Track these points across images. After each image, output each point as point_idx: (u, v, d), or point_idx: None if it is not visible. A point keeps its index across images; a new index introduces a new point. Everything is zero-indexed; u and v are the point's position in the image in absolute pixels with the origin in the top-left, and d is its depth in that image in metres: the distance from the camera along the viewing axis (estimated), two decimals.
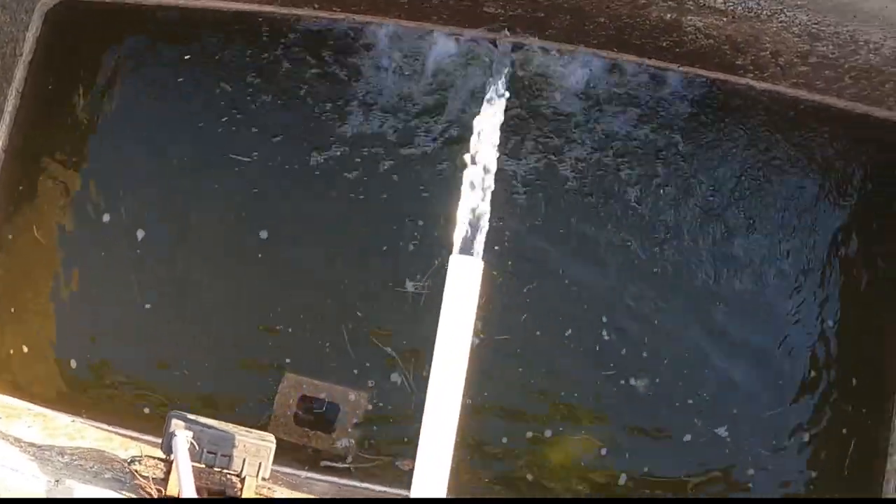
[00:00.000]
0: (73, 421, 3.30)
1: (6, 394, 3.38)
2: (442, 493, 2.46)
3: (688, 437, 3.33)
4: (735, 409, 3.35)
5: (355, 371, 3.31)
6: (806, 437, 3.35)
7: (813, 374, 3.37)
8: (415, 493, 2.47)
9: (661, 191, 3.42)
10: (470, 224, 2.59)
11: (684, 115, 3.44)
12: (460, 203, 2.66)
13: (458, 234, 2.58)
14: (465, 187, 2.66)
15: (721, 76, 3.44)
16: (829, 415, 3.36)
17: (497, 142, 2.73)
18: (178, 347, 3.37)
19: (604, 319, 3.35)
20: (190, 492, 2.53)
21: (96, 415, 3.33)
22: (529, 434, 3.31)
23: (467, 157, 2.74)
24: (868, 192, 3.48)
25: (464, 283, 2.51)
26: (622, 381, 3.33)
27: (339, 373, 3.32)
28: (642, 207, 3.40)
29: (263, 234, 3.40)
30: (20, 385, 3.39)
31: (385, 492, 3.22)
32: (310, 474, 3.21)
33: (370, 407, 3.28)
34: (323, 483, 3.19)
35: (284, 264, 3.40)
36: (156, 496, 2.69)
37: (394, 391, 3.31)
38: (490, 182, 2.66)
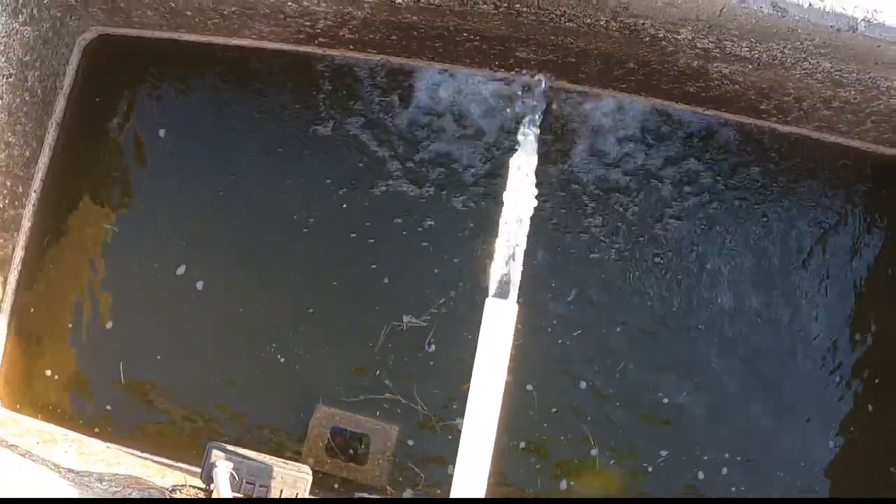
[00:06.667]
0: (108, 447, 3.38)
1: (42, 419, 3.46)
2: None
3: None
4: None
5: (385, 405, 3.39)
6: None
7: None
8: None
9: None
10: (504, 268, 2.66)
11: None
12: (496, 246, 2.73)
13: (494, 277, 2.66)
14: (501, 230, 2.73)
15: (745, 119, 3.53)
16: None
17: (531, 185, 2.80)
18: (214, 378, 3.45)
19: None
20: None
21: (131, 442, 3.41)
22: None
23: (503, 199, 2.81)
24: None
25: (499, 325, 2.59)
26: None
27: (369, 406, 3.40)
28: None
29: (297, 272, 3.49)
30: (54, 411, 3.47)
31: None
32: None
33: (401, 439, 3.36)
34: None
35: (320, 298, 3.48)
36: None
37: (423, 426, 3.39)
38: (526, 224, 2.73)
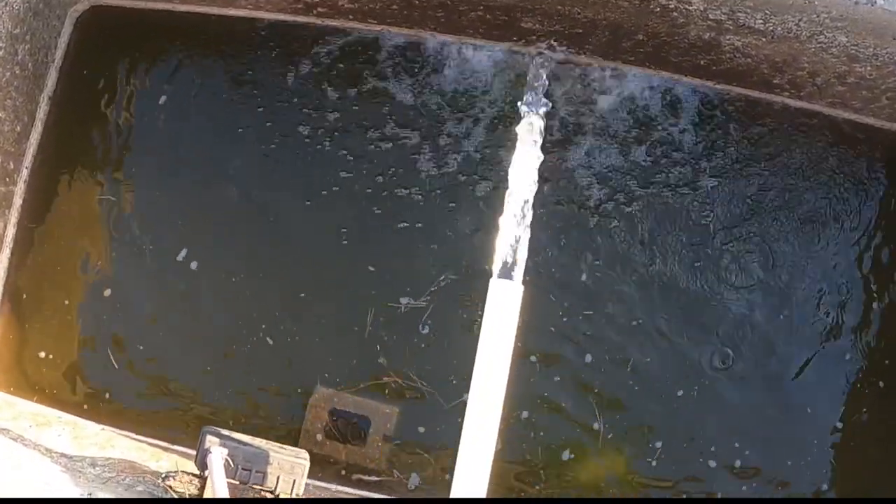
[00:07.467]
0: (103, 429, 3.31)
1: (36, 401, 3.39)
2: None
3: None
4: None
5: (386, 385, 3.33)
6: None
7: None
8: None
9: None
10: (510, 249, 2.59)
11: None
12: (500, 228, 2.66)
13: (498, 258, 2.58)
14: (505, 211, 2.66)
15: (756, 94, 3.43)
16: None
17: (536, 163, 2.72)
18: (210, 359, 3.38)
19: None
20: None
21: (125, 424, 3.34)
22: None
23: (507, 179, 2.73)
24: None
25: (504, 306, 2.52)
26: None
27: (369, 387, 3.33)
28: None
29: (287, 247, 3.43)
30: (48, 393, 3.40)
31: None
32: (341, 488, 3.22)
33: (404, 421, 3.30)
34: (354, 496, 3.20)
35: (318, 278, 3.41)
36: None
37: (425, 405, 3.32)
38: (529, 205, 2.65)
